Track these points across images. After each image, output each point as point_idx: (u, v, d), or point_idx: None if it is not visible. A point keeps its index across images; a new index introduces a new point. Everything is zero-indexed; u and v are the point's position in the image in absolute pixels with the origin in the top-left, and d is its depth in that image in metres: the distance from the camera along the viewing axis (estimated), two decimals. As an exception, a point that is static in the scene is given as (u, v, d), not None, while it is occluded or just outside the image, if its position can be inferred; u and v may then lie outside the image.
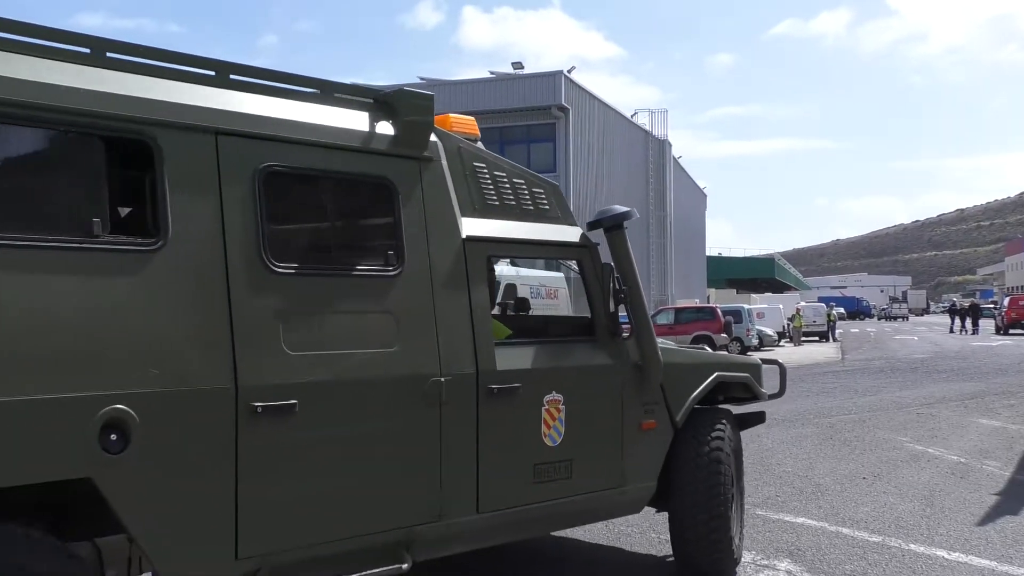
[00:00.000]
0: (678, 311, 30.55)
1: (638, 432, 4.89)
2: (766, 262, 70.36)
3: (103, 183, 3.18)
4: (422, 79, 33.41)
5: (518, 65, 33.08)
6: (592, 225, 4.87)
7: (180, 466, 3.20)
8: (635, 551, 6.15)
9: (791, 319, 39.37)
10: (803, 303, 48.78)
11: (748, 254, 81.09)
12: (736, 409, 5.81)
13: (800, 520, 6.79)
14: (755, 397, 5.87)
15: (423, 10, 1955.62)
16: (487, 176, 4.49)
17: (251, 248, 3.44)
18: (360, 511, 3.71)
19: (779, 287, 67.63)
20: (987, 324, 47.98)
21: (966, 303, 72.51)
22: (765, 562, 5.69)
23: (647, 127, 40.68)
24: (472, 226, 4.28)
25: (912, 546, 6.07)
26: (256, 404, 3.36)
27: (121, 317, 3.11)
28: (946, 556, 5.84)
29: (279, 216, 3.59)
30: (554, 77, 31.38)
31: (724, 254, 68.46)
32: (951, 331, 47.04)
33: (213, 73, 3.58)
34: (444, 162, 4.21)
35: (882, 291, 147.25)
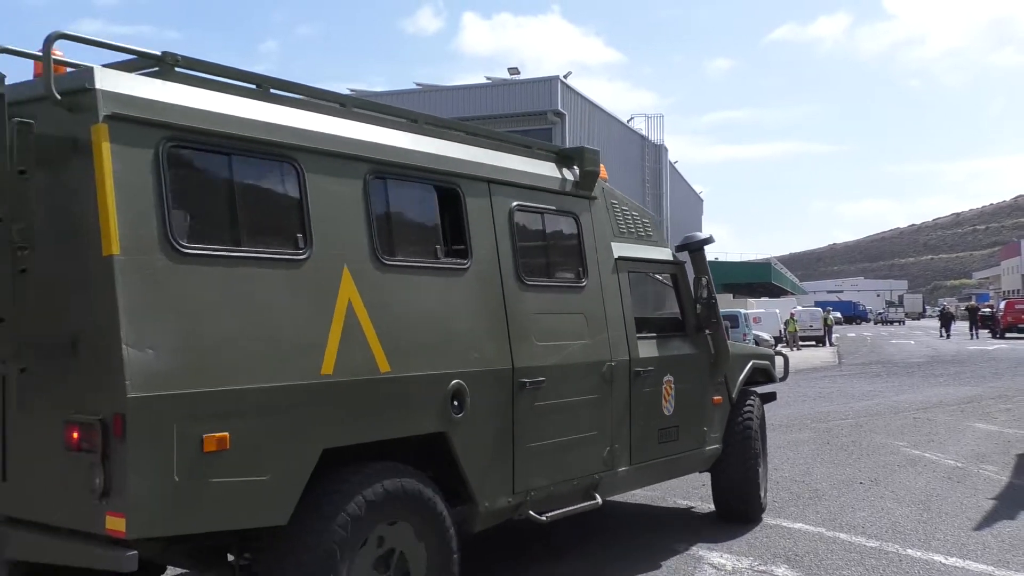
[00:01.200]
0: (675, 316, 30.41)
1: (712, 406, 6.52)
2: (763, 267, 70.20)
3: (438, 219, 4.54)
4: (418, 84, 33.41)
5: (514, 70, 33.06)
6: (680, 247, 6.49)
7: (487, 425, 4.54)
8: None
9: (786, 324, 39.38)
10: (799, 307, 48.74)
11: (744, 258, 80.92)
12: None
13: (797, 525, 6.79)
14: (770, 380, 7.55)
15: (423, 16, 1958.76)
16: (619, 210, 6.00)
17: (512, 266, 4.84)
18: (576, 461, 5.15)
19: (776, 291, 67.52)
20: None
21: (963, 307, 72.24)
22: (763, 568, 5.69)
23: (643, 132, 40.69)
24: (617, 249, 5.77)
25: (909, 551, 6.07)
26: (524, 380, 4.75)
27: (454, 316, 4.45)
28: (943, 561, 5.85)
29: (521, 242, 4.96)
30: (550, 83, 31.38)
31: (720, 259, 68.28)
32: (940, 335, 46.99)
33: (464, 134, 4.96)
34: (600, 200, 5.70)
35: (878, 295, 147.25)
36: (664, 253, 6.41)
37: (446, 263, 4.47)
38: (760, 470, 6.91)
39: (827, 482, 8.48)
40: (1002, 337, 43.60)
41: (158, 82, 3.57)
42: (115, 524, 3.24)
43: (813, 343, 41.73)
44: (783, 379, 7.79)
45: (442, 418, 4.28)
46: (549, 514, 4.95)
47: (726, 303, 48.14)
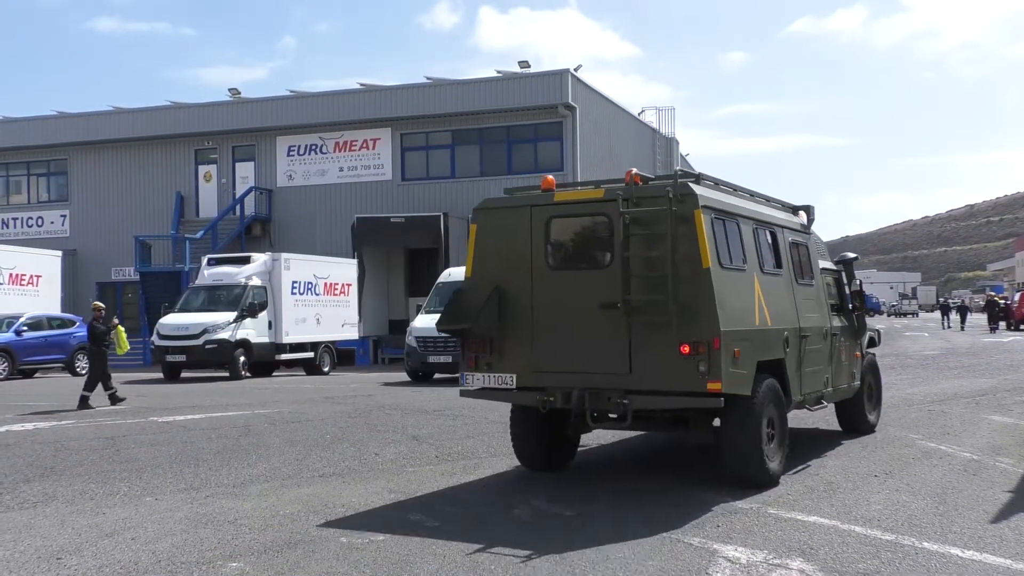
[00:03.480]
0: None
1: (855, 358, 10.59)
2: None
3: (771, 246, 8.69)
4: (428, 78, 33.37)
5: (524, 64, 32.92)
6: (837, 261, 10.89)
7: (793, 358, 8.49)
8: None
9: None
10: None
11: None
12: None
13: (812, 519, 6.75)
14: (874, 345, 11.78)
15: (440, 11, 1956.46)
16: (814, 238, 10.09)
17: (793, 272, 8.98)
18: (816, 382, 9.17)
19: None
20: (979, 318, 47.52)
21: (980, 300, 71.31)
22: (777, 561, 5.65)
23: (654, 125, 40.52)
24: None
25: (925, 544, 6.02)
26: (803, 334, 8.73)
27: (780, 298, 8.49)
28: (960, 554, 5.79)
29: (792, 258, 9.05)
30: (561, 76, 31.26)
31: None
32: (960, 328, 46.70)
33: (748, 195, 8.87)
34: (813, 233, 10.04)
35: (891, 287, 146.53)
36: (829, 263, 10.64)
37: (776, 271, 8.59)
38: (868, 401, 11.00)
39: (841, 475, 8.43)
40: (1016, 329, 43.30)
41: (702, 187, 7.66)
42: (715, 386, 7.13)
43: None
44: (878, 345, 11.95)
45: (782, 351, 8.25)
46: (812, 408, 9.29)
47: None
